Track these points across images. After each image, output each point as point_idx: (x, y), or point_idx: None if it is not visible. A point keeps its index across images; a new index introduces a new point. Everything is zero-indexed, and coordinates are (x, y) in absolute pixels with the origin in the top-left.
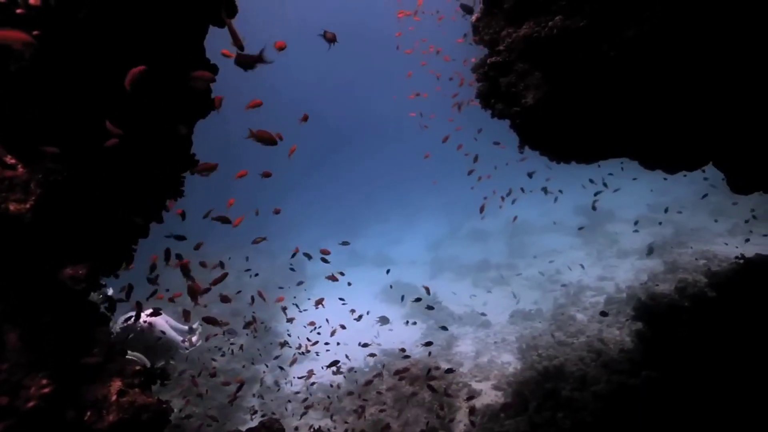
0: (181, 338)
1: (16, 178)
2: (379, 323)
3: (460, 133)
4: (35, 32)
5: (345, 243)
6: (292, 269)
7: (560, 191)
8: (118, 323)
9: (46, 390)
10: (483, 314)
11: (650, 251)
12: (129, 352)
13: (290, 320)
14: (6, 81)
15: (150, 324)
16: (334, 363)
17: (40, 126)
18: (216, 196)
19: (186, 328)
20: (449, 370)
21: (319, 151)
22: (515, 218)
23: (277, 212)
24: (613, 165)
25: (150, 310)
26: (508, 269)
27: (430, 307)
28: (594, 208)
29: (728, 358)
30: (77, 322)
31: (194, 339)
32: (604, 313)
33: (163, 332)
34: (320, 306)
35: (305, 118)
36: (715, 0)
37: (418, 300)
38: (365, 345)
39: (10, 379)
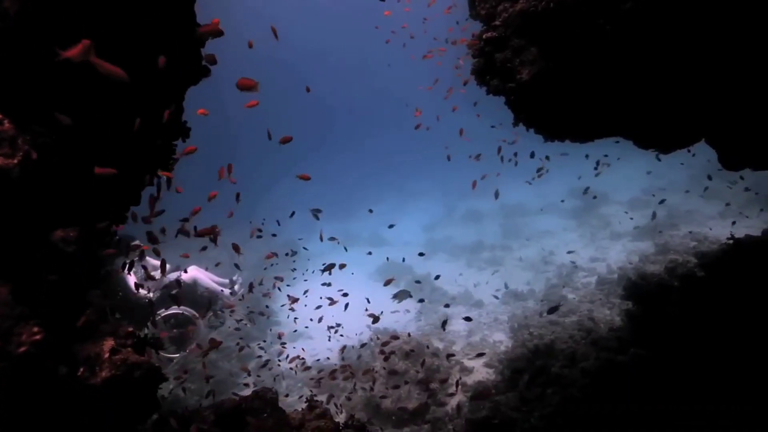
0: (222, 289)
1: (4, 132)
2: (396, 300)
3: (459, 113)
4: None
5: (370, 211)
6: (259, 236)
7: (545, 159)
8: (162, 282)
9: (37, 337)
10: (503, 288)
11: (654, 216)
12: (179, 306)
13: (266, 295)
14: None
15: (193, 279)
16: (375, 319)
17: (27, 87)
18: (212, 174)
19: (227, 280)
20: (467, 319)
21: (314, 132)
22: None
23: (306, 178)
24: (607, 145)
25: (191, 267)
26: (502, 250)
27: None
28: (595, 197)
29: (715, 335)
30: (70, 283)
31: (236, 287)
32: (552, 309)
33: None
34: (330, 272)
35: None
36: None
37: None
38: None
39: (1, 325)
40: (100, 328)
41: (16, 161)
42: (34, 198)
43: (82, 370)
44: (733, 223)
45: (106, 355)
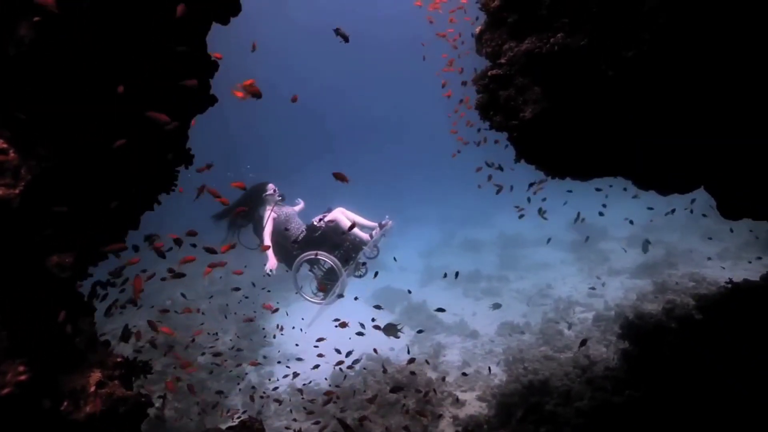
0: (366, 235)
1: (7, 162)
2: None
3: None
4: (35, 18)
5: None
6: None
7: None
8: (303, 225)
9: (22, 377)
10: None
11: (646, 247)
12: (318, 252)
13: (275, 310)
14: (3, 65)
15: (333, 222)
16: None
17: (34, 113)
18: (208, 197)
19: (375, 224)
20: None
21: (312, 153)
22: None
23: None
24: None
25: (337, 209)
26: (499, 281)
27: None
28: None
29: (710, 380)
30: (61, 310)
31: (375, 233)
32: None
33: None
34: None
35: (294, 99)
36: (714, 27)
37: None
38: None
39: None
40: (87, 358)
41: (17, 191)
42: (33, 226)
43: (66, 404)
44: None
45: (92, 389)
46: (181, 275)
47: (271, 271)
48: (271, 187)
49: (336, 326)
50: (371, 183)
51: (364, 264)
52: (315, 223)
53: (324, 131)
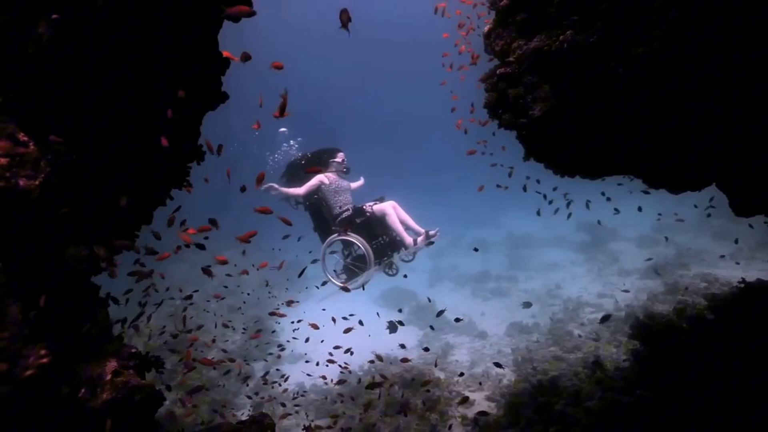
0: (409, 238)
1: (28, 155)
2: (388, 330)
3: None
4: (54, 16)
5: (476, 249)
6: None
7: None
8: (351, 204)
9: (44, 360)
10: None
11: (655, 270)
12: (350, 233)
13: (280, 315)
14: (23, 62)
15: (381, 212)
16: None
17: (52, 108)
18: (218, 190)
19: (422, 230)
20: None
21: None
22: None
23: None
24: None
25: (389, 202)
26: (508, 281)
27: (458, 320)
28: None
29: (722, 381)
30: (78, 301)
31: (420, 240)
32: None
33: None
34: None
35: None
36: (724, 24)
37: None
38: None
39: (9, 347)
40: (103, 348)
41: (37, 183)
42: (51, 217)
43: (83, 391)
44: (725, 262)
45: (108, 377)
46: (210, 272)
47: (267, 187)
48: (341, 155)
49: (342, 324)
50: (374, 183)
51: (394, 265)
52: (365, 207)
53: (325, 130)
